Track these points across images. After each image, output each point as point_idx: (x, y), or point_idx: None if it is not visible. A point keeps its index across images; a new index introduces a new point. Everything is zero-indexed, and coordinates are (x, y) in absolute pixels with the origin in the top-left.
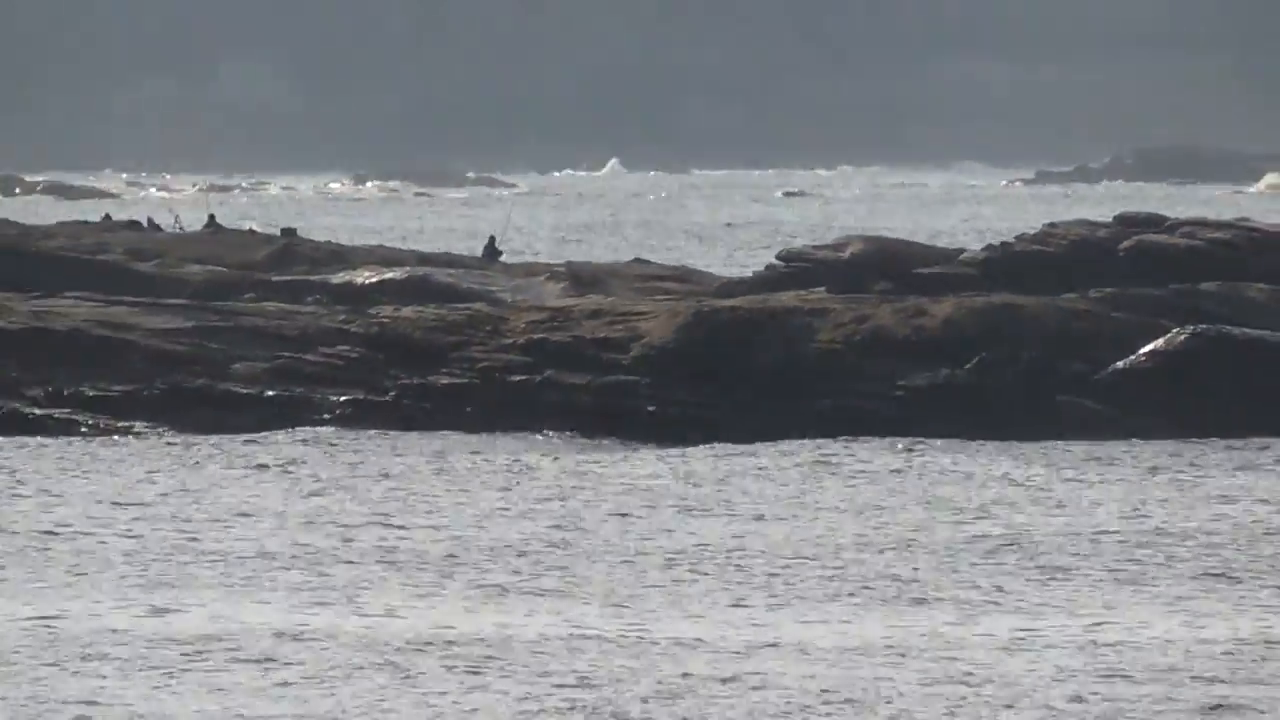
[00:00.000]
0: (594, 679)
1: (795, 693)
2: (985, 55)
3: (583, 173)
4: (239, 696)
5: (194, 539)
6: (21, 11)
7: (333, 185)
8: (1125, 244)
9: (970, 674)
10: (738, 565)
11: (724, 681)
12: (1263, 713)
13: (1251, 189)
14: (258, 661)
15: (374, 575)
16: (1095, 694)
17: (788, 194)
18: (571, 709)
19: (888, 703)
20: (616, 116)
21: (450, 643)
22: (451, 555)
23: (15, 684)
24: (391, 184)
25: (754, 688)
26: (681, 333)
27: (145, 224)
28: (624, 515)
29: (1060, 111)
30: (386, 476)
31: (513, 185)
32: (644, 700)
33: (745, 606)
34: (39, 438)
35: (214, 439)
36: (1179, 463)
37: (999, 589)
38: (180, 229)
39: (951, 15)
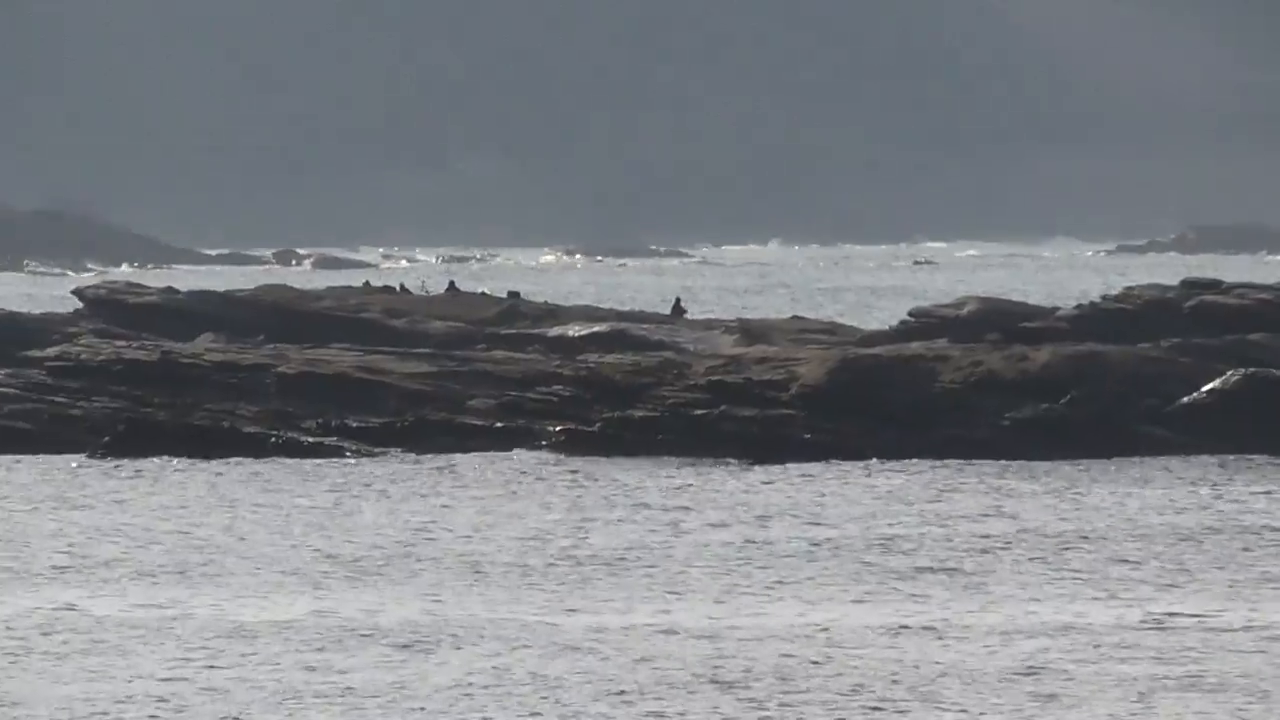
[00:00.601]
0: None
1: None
2: (1074, 147)
3: (750, 246)
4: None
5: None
6: (292, 108)
7: (547, 257)
8: (1189, 303)
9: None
10: (874, 560)
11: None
12: None
13: None
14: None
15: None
16: None
17: (916, 263)
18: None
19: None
20: (774, 195)
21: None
22: (668, 556)
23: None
24: (595, 257)
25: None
26: (831, 375)
27: (397, 288)
28: (810, 521)
29: (1136, 194)
30: (598, 493)
31: (692, 256)
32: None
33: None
34: (313, 460)
35: (455, 460)
36: (1223, 475)
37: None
38: (425, 293)
39: (1047, 112)
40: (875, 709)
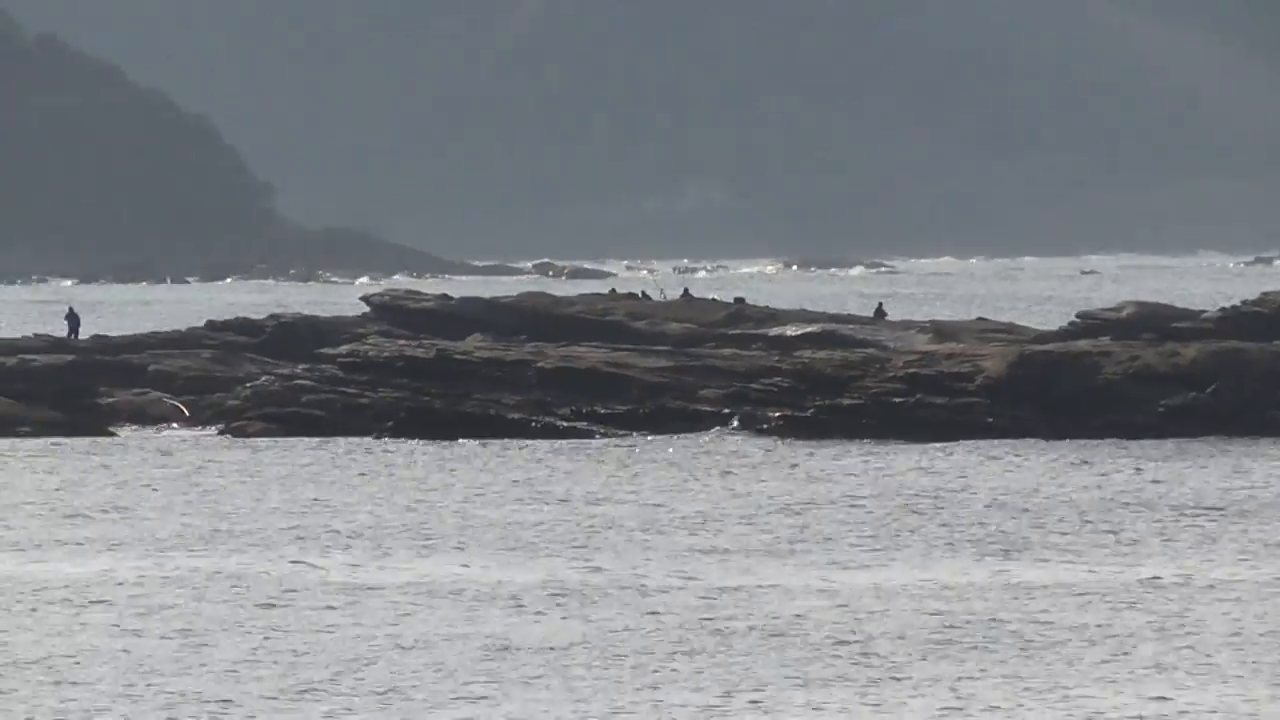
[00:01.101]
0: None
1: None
2: (1216, 171)
3: (945, 259)
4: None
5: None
6: (548, 142)
7: (768, 268)
8: None
9: None
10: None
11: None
12: None
13: None
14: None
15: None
16: None
17: (1083, 273)
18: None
19: None
20: (955, 215)
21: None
22: (890, 519)
23: None
24: (809, 268)
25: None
26: (1011, 368)
27: (639, 295)
28: (997, 489)
29: (1270, 211)
30: (813, 467)
31: (891, 268)
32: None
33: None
34: (567, 441)
35: (688, 440)
36: None
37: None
38: (664, 299)
39: (1191, 141)
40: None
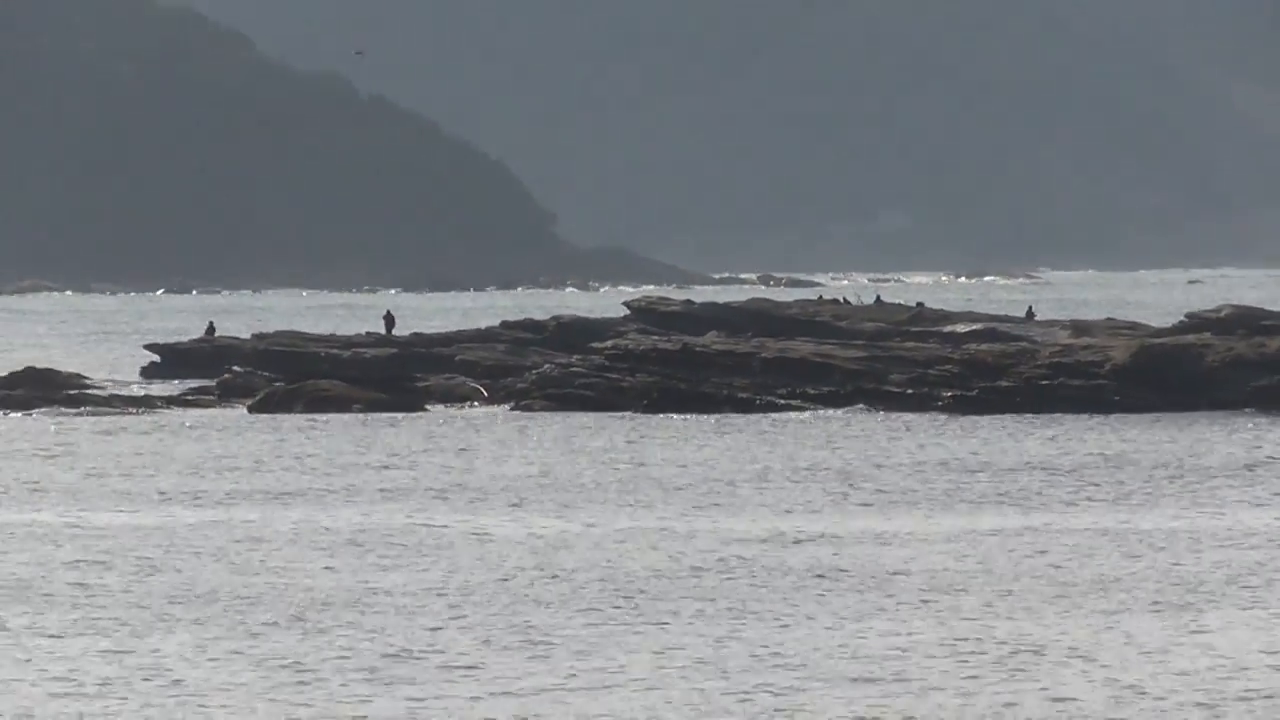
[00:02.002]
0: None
1: None
2: None
3: (1089, 271)
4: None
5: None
6: (765, 175)
7: (943, 279)
8: None
9: None
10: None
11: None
12: None
13: None
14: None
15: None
16: None
17: (1190, 282)
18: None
19: None
20: (1093, 234)
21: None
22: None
23: None
24: (975, 277)
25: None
26: (1134, 357)
27: (841, 300)
28: (1121, 456)
29: None
30: (978, 440)
31: (1037, 277)
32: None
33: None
34: (784, 415)
35: (880, 416)
36: None
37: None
38: (860, 303)
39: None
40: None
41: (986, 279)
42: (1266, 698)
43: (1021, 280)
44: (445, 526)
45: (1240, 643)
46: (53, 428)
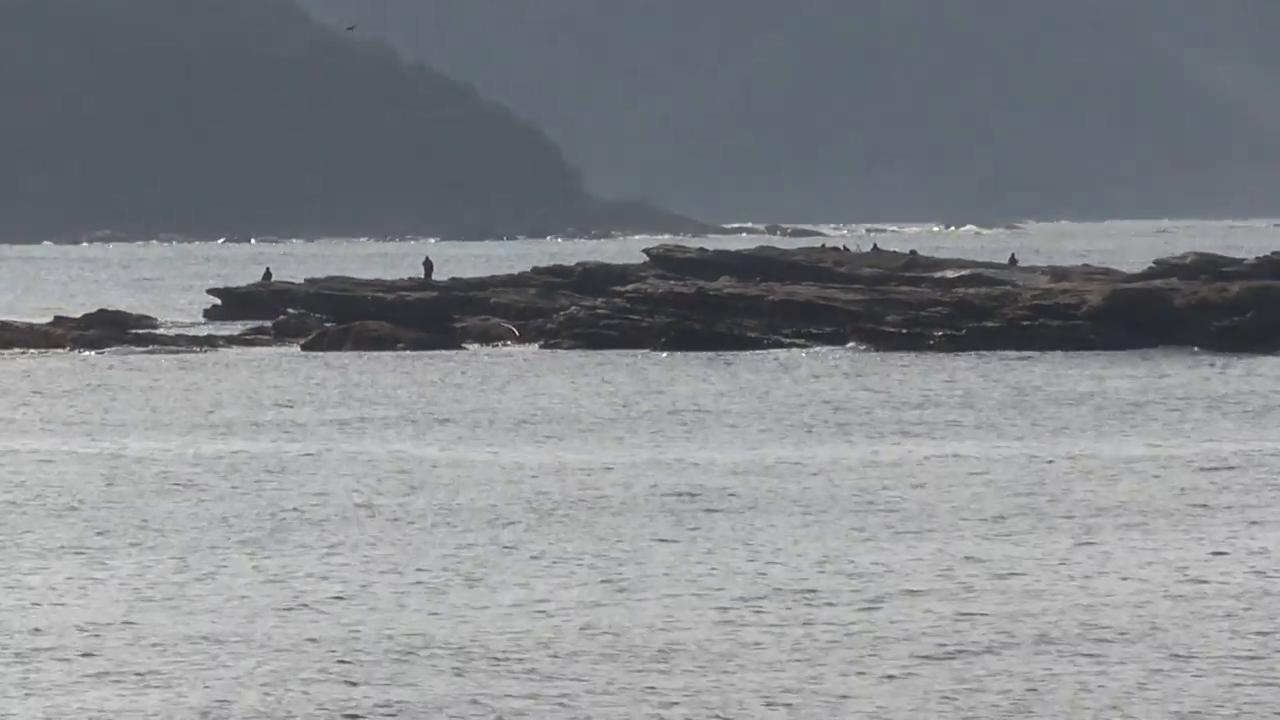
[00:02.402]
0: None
1: None
2: (1269, 160)
3: (1062, 222)
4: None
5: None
6: (780, 123)
7: (934, 229)
8: None
9: None
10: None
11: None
12: None
13: None
14: None
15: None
16: None
17: (1159, 231)
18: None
19: None
20: (1069, 188)
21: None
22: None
23: None
24: (964, 227)
25: None
26: (1107, 299)
27: (841, 248)
28: (1095, 384)
29: None
30: (959, 373)
31: (1021, 228)
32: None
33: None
34: (788, 352)
35: (875, 355)
36: None
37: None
38: (859, 250)
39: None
40: None
41: (971, 229)
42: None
43: (1000, 230)
44: (475, 457)
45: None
46: (119, 364)
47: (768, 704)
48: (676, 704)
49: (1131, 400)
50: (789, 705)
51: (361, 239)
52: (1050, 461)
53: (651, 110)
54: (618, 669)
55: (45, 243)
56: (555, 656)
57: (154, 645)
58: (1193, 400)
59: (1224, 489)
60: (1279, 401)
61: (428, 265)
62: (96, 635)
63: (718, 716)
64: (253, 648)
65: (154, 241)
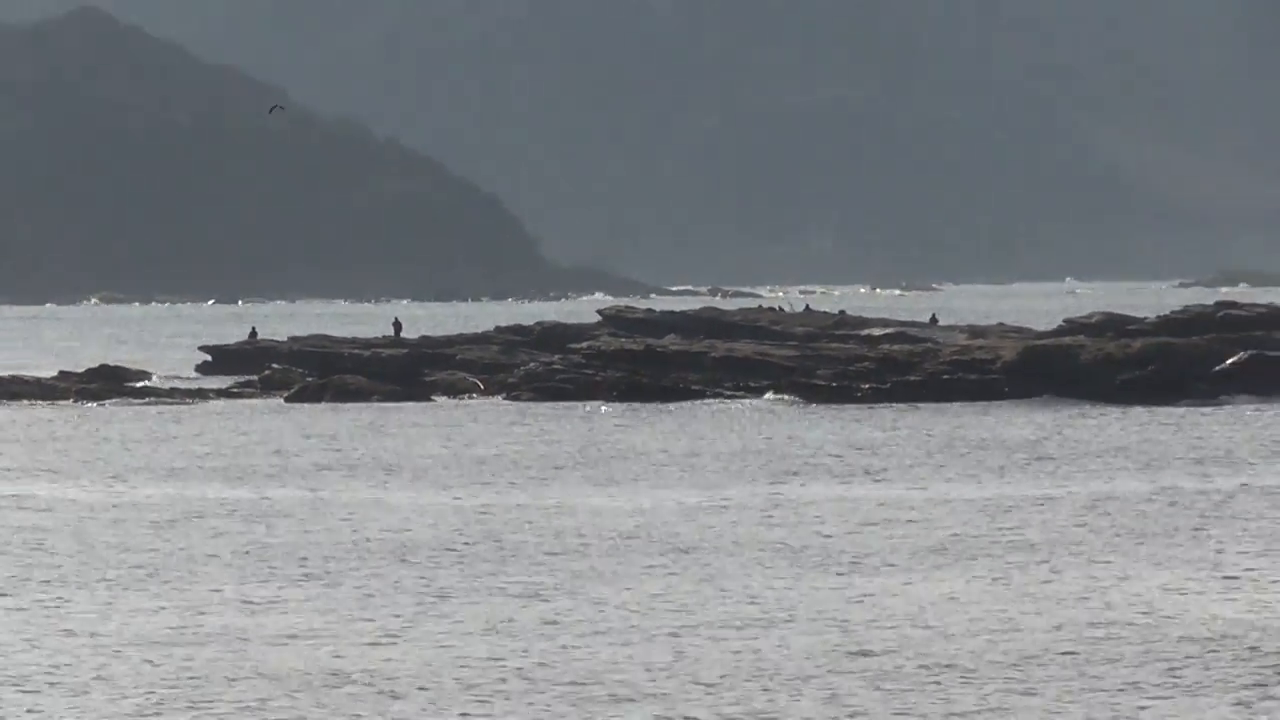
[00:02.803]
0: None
1: None
2: (1163, 228)
3: (975, 284)
4: None
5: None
6: (711, 202)
7: (861, 290)
8: (1219, 314)
9: None
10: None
11: None
12: None
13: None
14: None
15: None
16: None
17: (1068, 293)
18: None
19: None
20: (983, 254)
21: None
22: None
23: None
24: (890, 290)
25: None
26: (1020, 355)
27: (777, 309)
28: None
29: (1195, 254)
30: (882, 420)
31: (940, 289)
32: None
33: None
34: (729, 403)
35: (813, 407)
36: (1235, 410)
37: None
38: (793, 311)
39: (1143, 207)
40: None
41: (898, 292)
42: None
43: (916, 292)
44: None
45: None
46: (120, 416)
47: None
48: None
49: (1029, 448)
50: None
51: (338, 300)
52: (952, 501)
53: (603, 184)
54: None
55: (48, 304)
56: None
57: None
58: (1088, 446)
59: (1112, 525)
60: (1177, 451)
61: (397, 325)
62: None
63: None
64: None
65: (149, 302)
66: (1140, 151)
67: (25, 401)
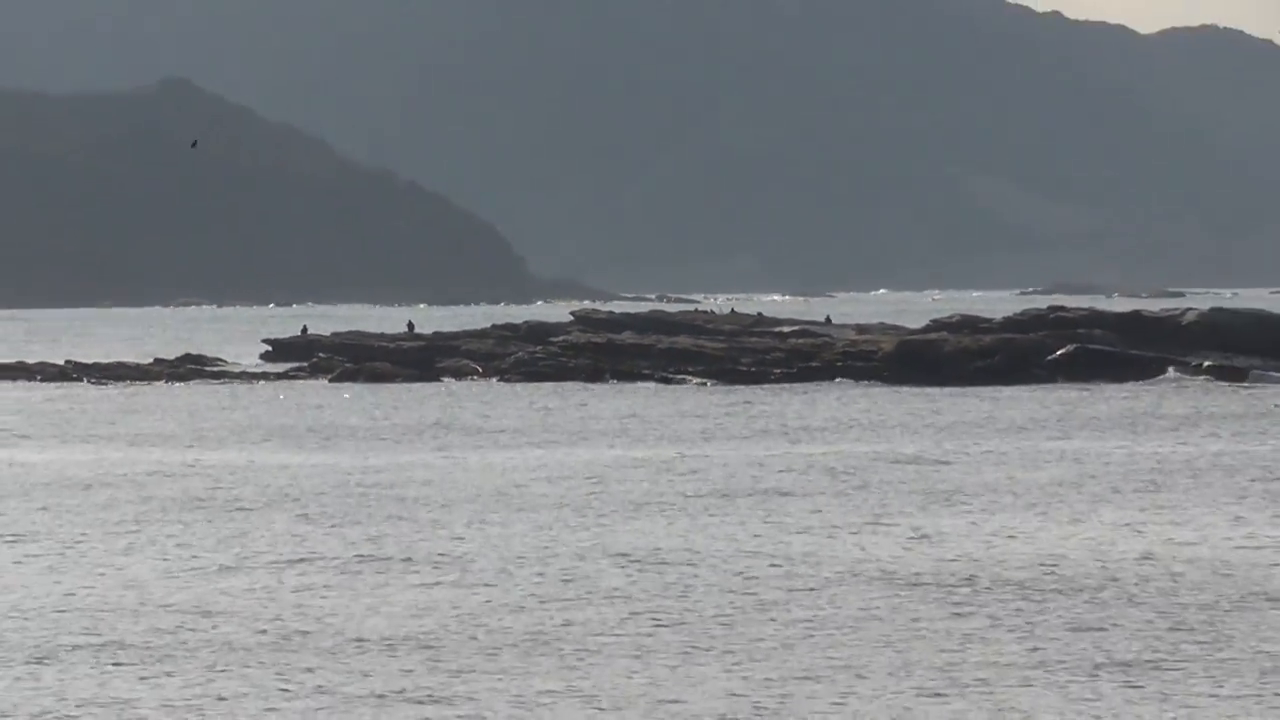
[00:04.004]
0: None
1: None
2: (1000, 247)
3: (871, 292)
4: None
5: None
6: (656, 227)
7: (776, 298)
8: (1052, 315)
9: None
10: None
11: None
12: None
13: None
14: None
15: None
16: None
17: (934, 299)
18: None
19: None
20: (871, 265)
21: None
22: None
23: None
24: (798, 298)
25: None
26: (897, 348)
27: (710, 312)
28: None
29: (1032, 270)
30: (795, 400)
31: (832, 296)
32: None
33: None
34: (671, 386)
35: (744, 389)
36: (1055, 390)
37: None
38: (721, 312)
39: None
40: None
41: (805, 298)
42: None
43: (817, 299)
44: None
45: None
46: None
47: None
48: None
49: (900, 420)
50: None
51: (369, 305)
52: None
53: (576, 213)
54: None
55: (152, 306)
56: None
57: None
58: (947, 417)
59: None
60: (1007, 420)
61: (410, 325)
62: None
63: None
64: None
65: (223, 306)
66: (989, 185)
67: (127, 382)
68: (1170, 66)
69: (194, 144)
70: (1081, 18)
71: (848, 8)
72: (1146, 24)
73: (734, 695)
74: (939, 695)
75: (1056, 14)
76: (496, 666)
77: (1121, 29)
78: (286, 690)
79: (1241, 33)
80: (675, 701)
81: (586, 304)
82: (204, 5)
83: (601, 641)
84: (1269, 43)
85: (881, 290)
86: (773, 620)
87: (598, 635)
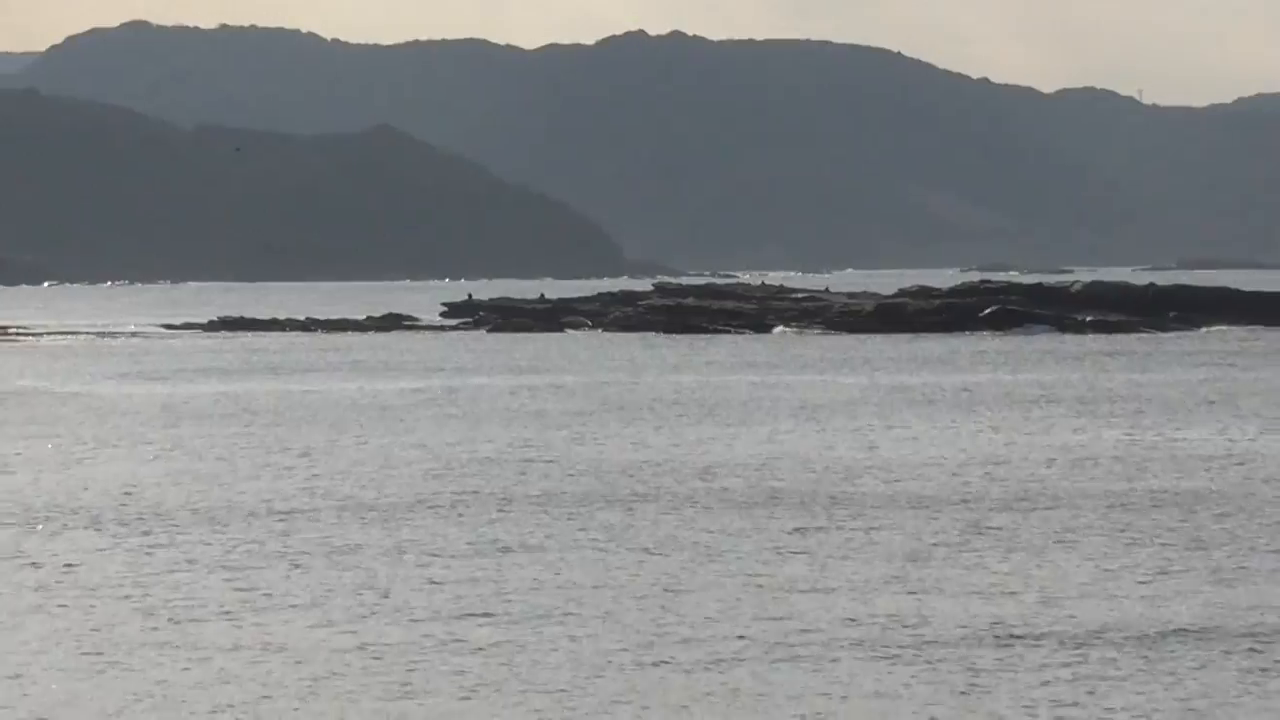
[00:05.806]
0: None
1: None
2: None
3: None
4: None
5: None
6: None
7: (794, 274)
8: (984, 285)
9: None
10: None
11: None
12: None
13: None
14: None
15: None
16: None
17: (902, 276)
18: None
19: None
20: (858, 248)
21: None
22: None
23: None
24: (809, 273)
25: None
26: (876, 308)
27: (751, 284)
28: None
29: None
30: (815, 344)
31: (829, 274)
32: None
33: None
34: (725, 335)
35: (771, 335)
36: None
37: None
38: (754, 284)
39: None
40: None
41: (813, 274)
42: None
43: (826, 276)
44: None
45: None
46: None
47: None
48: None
49: (888, 356)
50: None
51: (510, 279)
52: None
53: (659, 211)
54: None
55: (355, 281)
56: None
57: None
58: (913, 358)
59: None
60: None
61: (541, 296)
62: None
63: None
64: None
65: (417, 280)
66: (938, 197)
67: (345, 332)
68: (1063, 116)
69: (238, 149)
70: (1001, 81)
71: (843, 94)
72: (1047, 85)
73: None
74: None
75: (985, 80)
76: None
77: (1030, 89)
78: None
79: (1114, 92)
80: None
81: (662, 278)
82: (406, 65)
83: None
84: (1130, 98)
85: (864, 270)
86: None
87: None
